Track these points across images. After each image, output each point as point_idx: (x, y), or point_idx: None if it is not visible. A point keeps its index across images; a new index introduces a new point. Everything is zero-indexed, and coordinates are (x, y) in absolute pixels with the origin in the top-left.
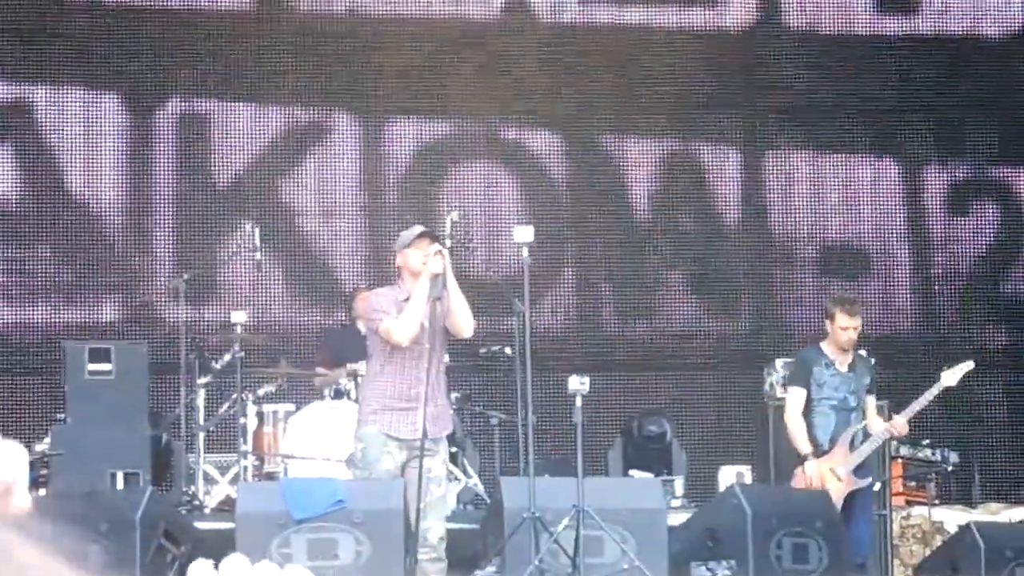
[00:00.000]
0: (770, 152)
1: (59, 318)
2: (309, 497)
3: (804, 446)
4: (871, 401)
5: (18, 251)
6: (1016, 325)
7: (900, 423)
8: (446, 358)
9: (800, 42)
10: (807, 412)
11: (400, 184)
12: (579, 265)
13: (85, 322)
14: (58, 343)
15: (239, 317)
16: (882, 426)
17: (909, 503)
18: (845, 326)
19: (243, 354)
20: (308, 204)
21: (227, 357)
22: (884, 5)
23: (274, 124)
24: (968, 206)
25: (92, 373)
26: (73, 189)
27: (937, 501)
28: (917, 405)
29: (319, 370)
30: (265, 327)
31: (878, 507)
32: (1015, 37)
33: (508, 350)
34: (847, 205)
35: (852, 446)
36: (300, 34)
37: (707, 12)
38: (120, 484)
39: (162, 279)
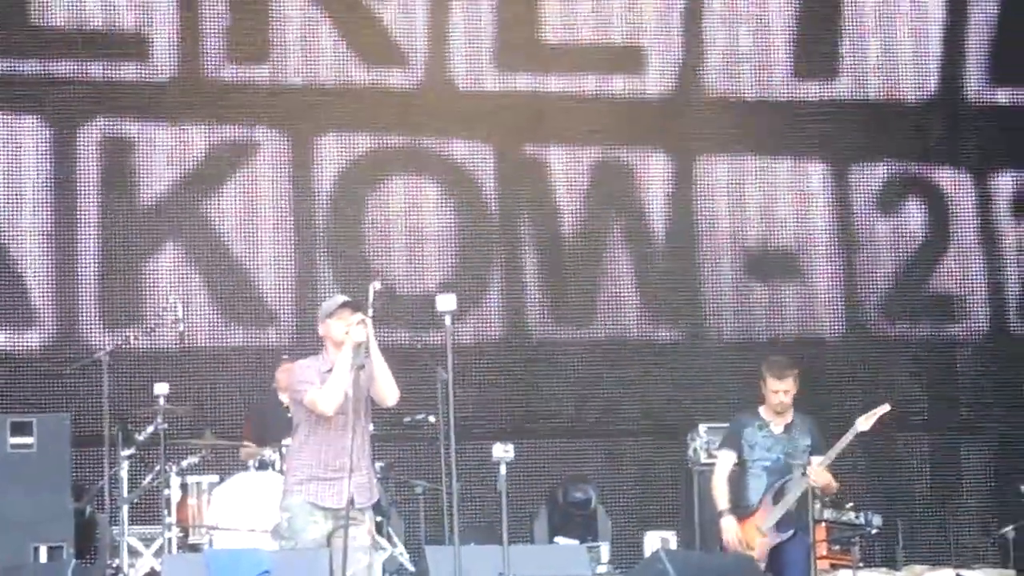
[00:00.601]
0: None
1: None
2: (234, 568)
3: (721, 503)
4: (816, 463)
5: None
6: (940, 321)
7: (816, 471)
8: (370, 427)
9: (721, 110)
10: (742, 474)
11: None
12: (503, 329)
13: (5, 393)
14: None
15: (162, 389)
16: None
17: (834, 566)
18: (776, 389)
19: (166, 426)
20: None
21: (150, 429)
22: (802, 71)
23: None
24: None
25: (14, 447)
26: None
27: (861, 564)
28: (833, 452)
29: (245, 441)
30: (190, 397)
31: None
32: (931, 102)
33: (432, 418)
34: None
35: (774, 500)
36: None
37: (629, 79)
38: (44, 558)
39: (86, 308)
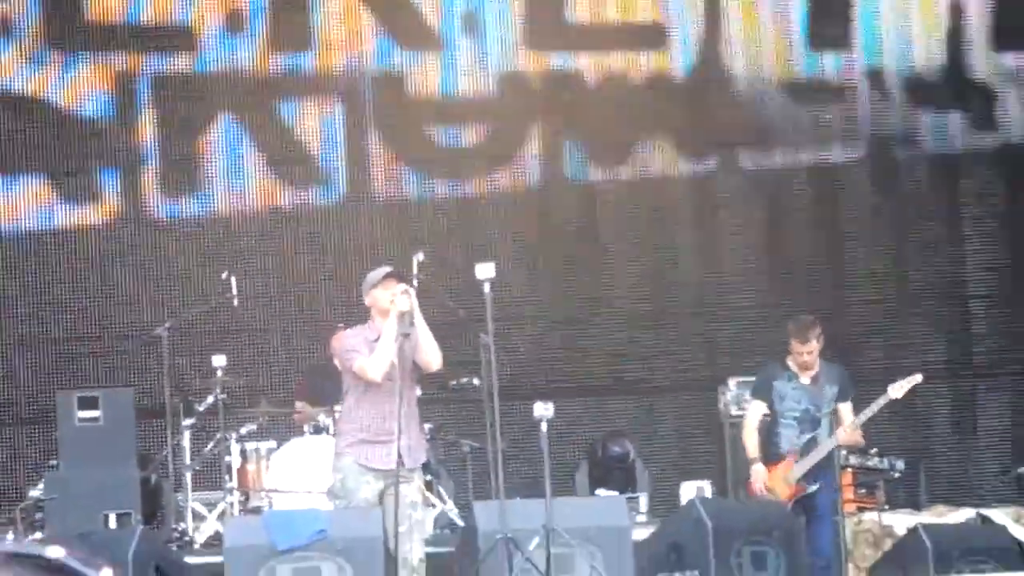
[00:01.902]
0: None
1: (48, 368)
2: (292, 528)
3: (751, 451)
4: (843, 408)
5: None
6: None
7: (846, 432)
8: (418, 391)
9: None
10: (772, 424)
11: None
12: (540, 296)
13: (74, 371)
14: (49, 393)
15: (219, 361)
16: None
17: (860, 509)
18: (799, 351)
19: (225, 396)
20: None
21: (210, 399)
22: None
23: None
24: None
25: (82, 420)
26: None
27: (886, 506)
28: (863, 416)
29: (298, 406)
30: (245, 368)
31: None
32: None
33: (476, 381)
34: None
35: (801, 454)
36: None
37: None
38: (112, 524)
39: (144, 323)
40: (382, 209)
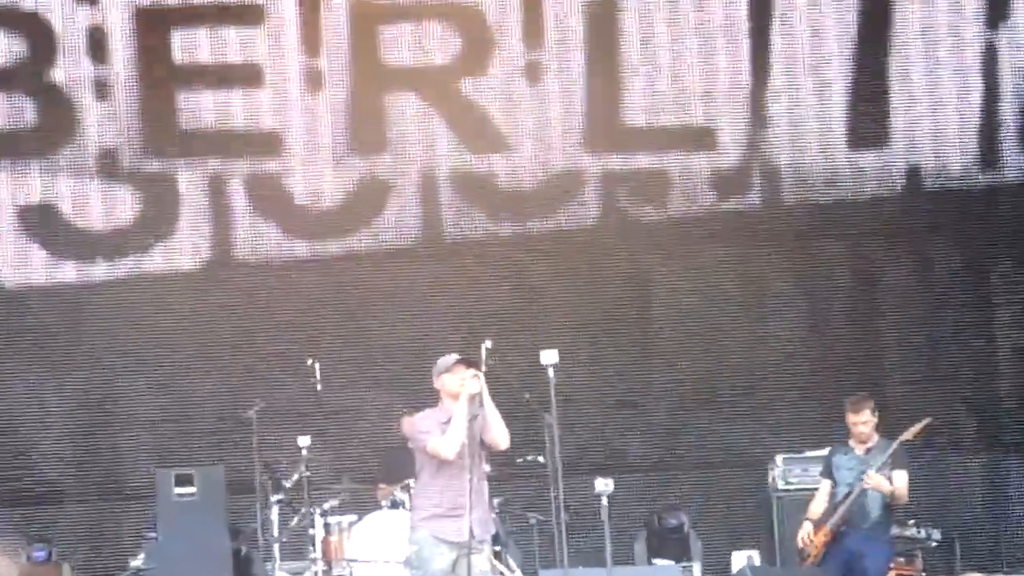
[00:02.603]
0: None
1: (149, 447)
2: None
3: (809, 514)
4: (896, 476)
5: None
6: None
7: (871, 474)
8: (487, 468)
9: None
10: (833, 496)
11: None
12: (600, 379)
13: (172, 449)
14: (146, 469)
15: (304, 441)
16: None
17: None
18: (855, 422)
19: (309, 473)
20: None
21: (295, 476)
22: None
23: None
24: None
25: (178, 495)
26: None
27: (924, 573)
28: (879, 459)
29: (380, 486)
30: (328, 447)
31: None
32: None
33: (541, 458)
34: None
35: (835, 509)
36: None
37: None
38: None
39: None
40: (455, 301)
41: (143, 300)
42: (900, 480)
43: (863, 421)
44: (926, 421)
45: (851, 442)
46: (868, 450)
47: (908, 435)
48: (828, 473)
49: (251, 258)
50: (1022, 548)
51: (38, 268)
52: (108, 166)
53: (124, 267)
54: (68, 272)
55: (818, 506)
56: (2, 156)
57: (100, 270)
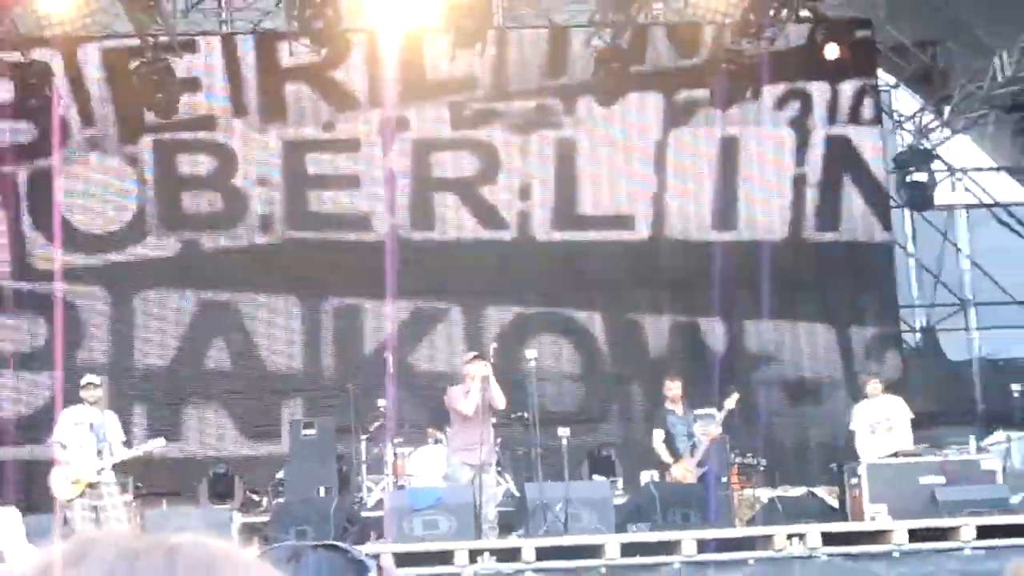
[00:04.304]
0: None
1: (291, 408)
2: (423, 497)
3: (666, 459)
4: (712, 429)
5: None
6: None
7: (711, 431)
8: (493, 420)
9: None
10: (671, 441)
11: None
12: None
13: (300, 408)
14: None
15: (382, 402)
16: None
17: (742, 487)
18: (669, 387)
19: (382, 422)
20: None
21: (376, 424)
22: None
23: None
24: None
25: (304, 436)
26: None
27: (755, 487)
28: (709, 420)
29: (428, 430)
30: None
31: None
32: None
33: (525, 415)
34: None
35: (691, 453)
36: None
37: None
38: (322, 494)
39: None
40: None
41: None
42: (716, 430)
43: (677, 386)
44: (735, 395)
45: (669, 404)
46: (684, 411)
47: (731, 404)
48: (661, 425)
49: None
50: (821, 467)
51: None
52: None
53: None
54: None
55: (665, 452)
56: None
57: None
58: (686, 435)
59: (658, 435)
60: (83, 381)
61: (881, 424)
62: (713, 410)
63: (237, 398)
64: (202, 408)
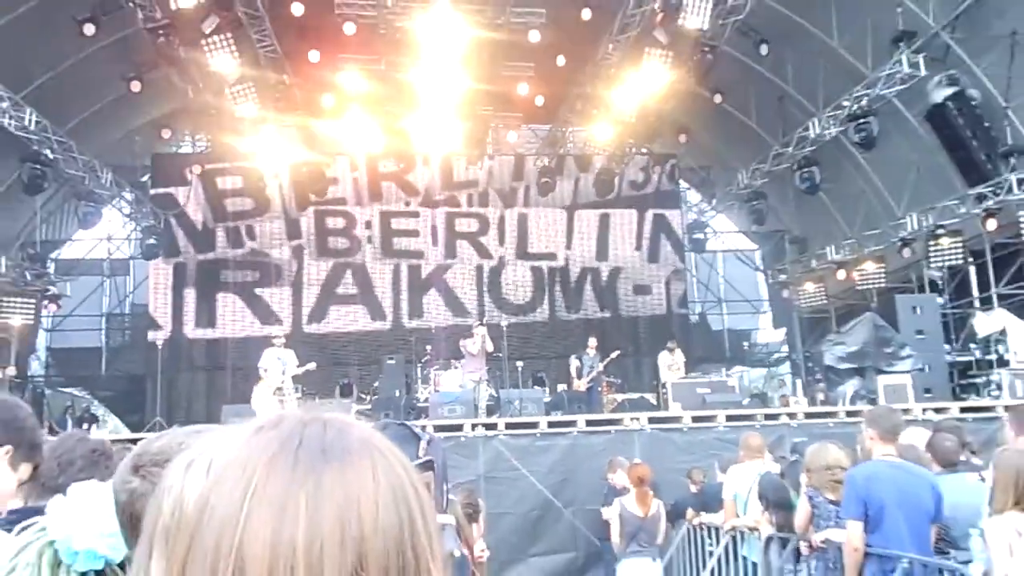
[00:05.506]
0: None
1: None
2: (448, 397)
3: (575, 377)
4: (597, 364)
5: None
6: None
7: (598, 367)
8: (489, 351)
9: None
10: (580, 369)
11: None
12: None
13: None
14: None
15: (428, 347)
16: None
17: (608, 393)
18: (590, 342)
19: (429, 358)
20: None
21: (426, 357)
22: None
23: None
24: None
25: (388, 363)
26: None
27: (615, 392)
28: (582, 359)
29: (452, 362)
30: (438, 351)
31: (599, 394)
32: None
33: (499, 354)
34: None
35: (588, 375)
36: None
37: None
38: (398, 394)
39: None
40: None
41: None
42: (600, 366)
43: (593, 342)
44: (617, 352)
45: (588, 350)
46: (593, 356)
47: (613, 355)
48: (579, 360)
49: None
50: (649, 385)
51: None
52: None
53: None
54: None
55: (575, 373)
56: None
57: None
58: (589, 367)
59: (574, 363)
60: (273, 333)
61: (675, 364)
62: (605, 356)
63: (353, 345)
64: (338, 350)
